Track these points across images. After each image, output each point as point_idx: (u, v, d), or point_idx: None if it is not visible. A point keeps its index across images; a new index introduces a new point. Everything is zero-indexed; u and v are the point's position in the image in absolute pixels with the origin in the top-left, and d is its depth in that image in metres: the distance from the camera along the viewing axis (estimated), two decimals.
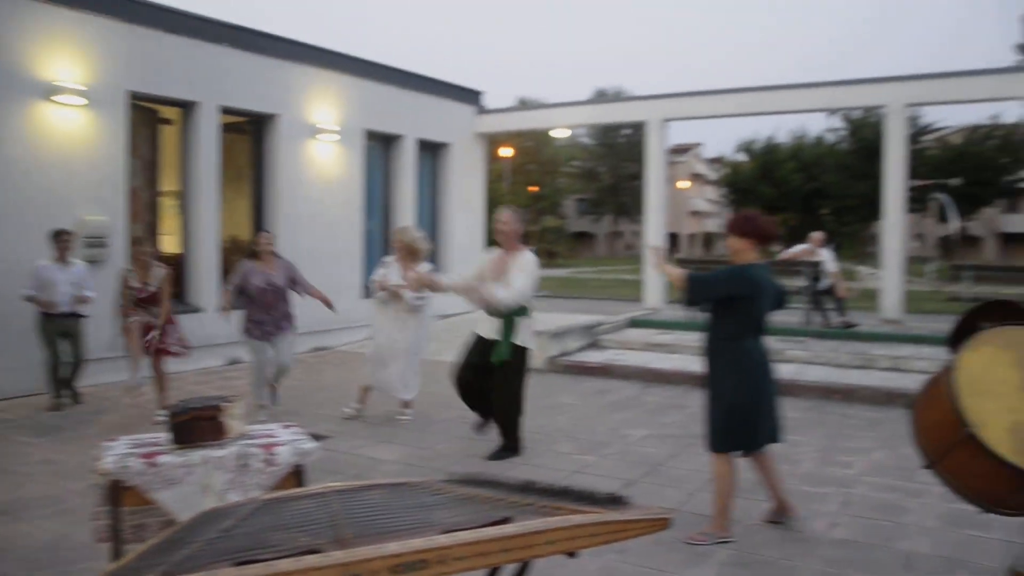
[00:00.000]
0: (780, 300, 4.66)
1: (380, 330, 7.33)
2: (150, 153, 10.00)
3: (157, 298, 7.19)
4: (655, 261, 4.80)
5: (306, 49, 11.53)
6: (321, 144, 11.58)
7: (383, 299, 7.26)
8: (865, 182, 35.30)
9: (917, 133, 44.41)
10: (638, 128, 13.86)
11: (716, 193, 62.16)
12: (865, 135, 39.80)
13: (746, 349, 4.40)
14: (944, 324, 4.41)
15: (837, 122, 46.62)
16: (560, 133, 21.29)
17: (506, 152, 35.07)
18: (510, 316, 5.93)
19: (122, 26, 9.12)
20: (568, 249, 53.47)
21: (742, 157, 52.56)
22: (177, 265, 9.71)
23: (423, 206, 14.06)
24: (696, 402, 8.22)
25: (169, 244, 11.32)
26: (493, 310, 5.96)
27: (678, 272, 4.44)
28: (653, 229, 13.63)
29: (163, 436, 3.60)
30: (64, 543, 4.33)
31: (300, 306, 7.58)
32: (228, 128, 10.72)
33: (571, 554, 1.77)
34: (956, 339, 3.20)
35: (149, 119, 9.97)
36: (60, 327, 7.60)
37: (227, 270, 9.49)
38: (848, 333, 11.10)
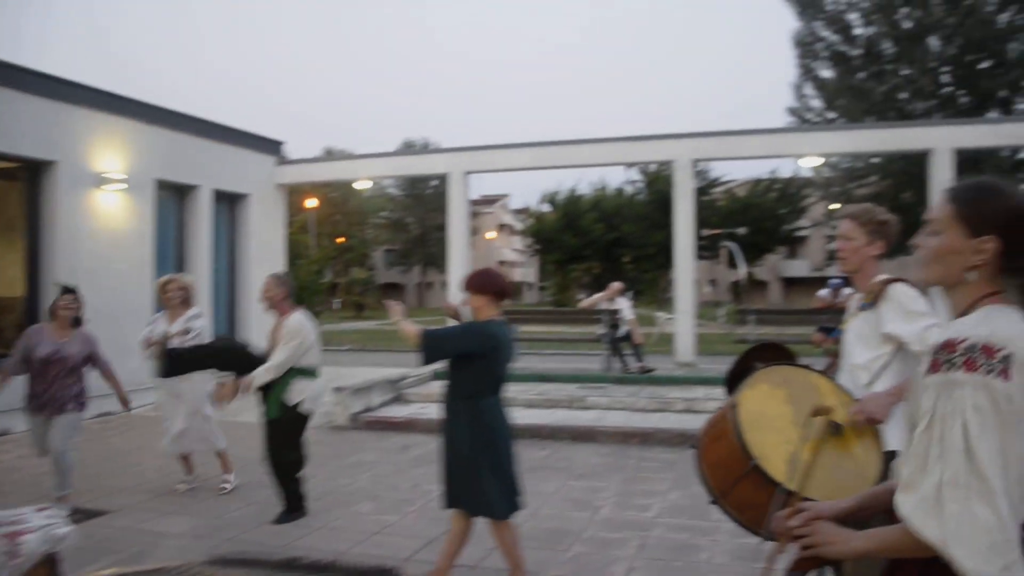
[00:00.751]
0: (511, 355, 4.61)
1: (159, 388, 6.88)
2: None
3: None
4: (394, 316, 4.63)
5: (89, 92, 10.84)
6: (107, 194, 10.87)
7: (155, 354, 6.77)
8: (661, 232, 37.30)
9: (707, 186, 47.61)
10: (444, 179, 13.94)
11: (523, 243, 63.75)
12: (660, 187, 42.12)
13: (485, 407, 4.33)
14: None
15: (635, 175, 49.15)
16: (363, 184, 21.17)
17: (311, 203, 34.45)
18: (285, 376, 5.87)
19: None
20: (376, 301, 53.02)
21: (546, 208, 54.23)
22: None
23: (220, 259, 13.49)
24: None
25: None
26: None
27: (412, 328, 4.32)
28: (457, 279, 13.69)
29: None
30: None
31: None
32: None
33: None
34: (733, 379, 3.38)
35: None
36: None
37: None
38: (646, 378, 11.54)
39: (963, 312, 1.68)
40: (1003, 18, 29.76)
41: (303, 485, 6.06)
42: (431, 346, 4.25)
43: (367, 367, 12.44)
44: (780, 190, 48.53)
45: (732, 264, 46.83)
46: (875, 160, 30.32)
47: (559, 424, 9.08)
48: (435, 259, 57.46)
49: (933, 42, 30.94)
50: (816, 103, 34.07)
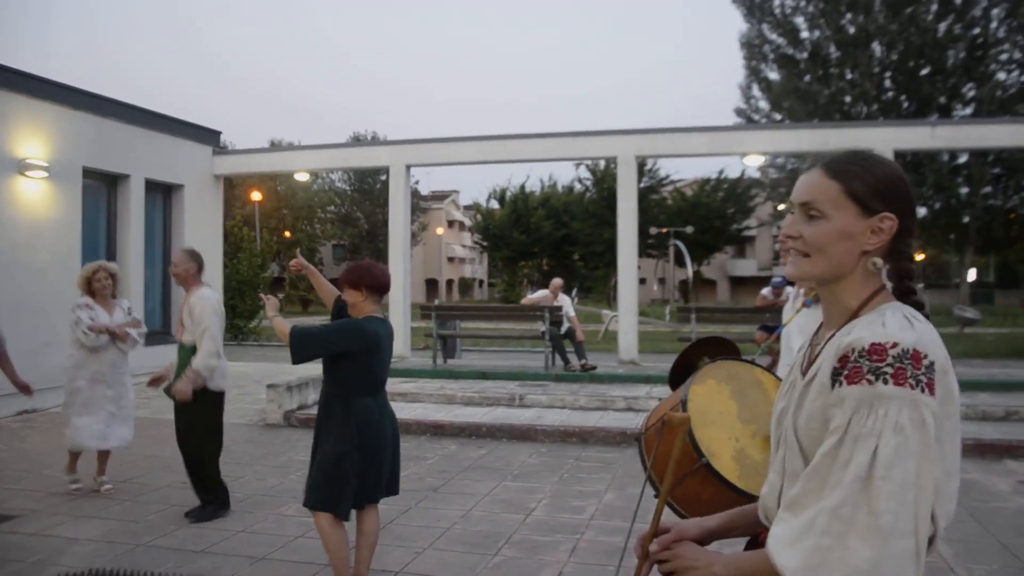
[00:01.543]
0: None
1: (87, 379, 6.48)
2: None
3: None
4: (268, 312, 4.46)
5: (9, 75, 10.37)
6: (29, 181, 10.42)
7: (102, 343, 6.41)
8: (610, 229, 37.41)
9: (656, 184, 47.97)
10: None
11: (472, 240, 63.61)
12: (609, 185, 42.27)
13: (358, 407, 4.12)
14: None
15: (585, 172, 49.31)
16: (302, 176, 20.79)
17: (255, 196, 33.84)
18: (184, 354, 5.75)
19: None
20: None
21: (495, 205, 54.11)
22: None
23: (154, 251, 13.07)
24: (436, 452, 8.09)
25: None
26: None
27: (283, 325, 4.12)
28: (400, 274, 13.48)
29: None
30: None
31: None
32: None
33: None
34: (676, 374, 3.25)
35: None
36: None
37: None
38: (588, 376, 11.43)
39: (856, 311, 1.41)
40: (942, 27, 30.38)
41: (216, 475, 5.86)
42: (301, 344, 4.04)
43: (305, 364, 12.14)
44: (728, 190, 49.07)
45: (680, 263, 47.27)
46: None
47: (497, 423, 8.91)
48: (384, 254, 56.79)
49: (876, 48, 31.47)
50: (763, 104, 34.51)
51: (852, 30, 31.28)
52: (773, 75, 33.98)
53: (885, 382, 1.26)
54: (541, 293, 12.90)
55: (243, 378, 12.08)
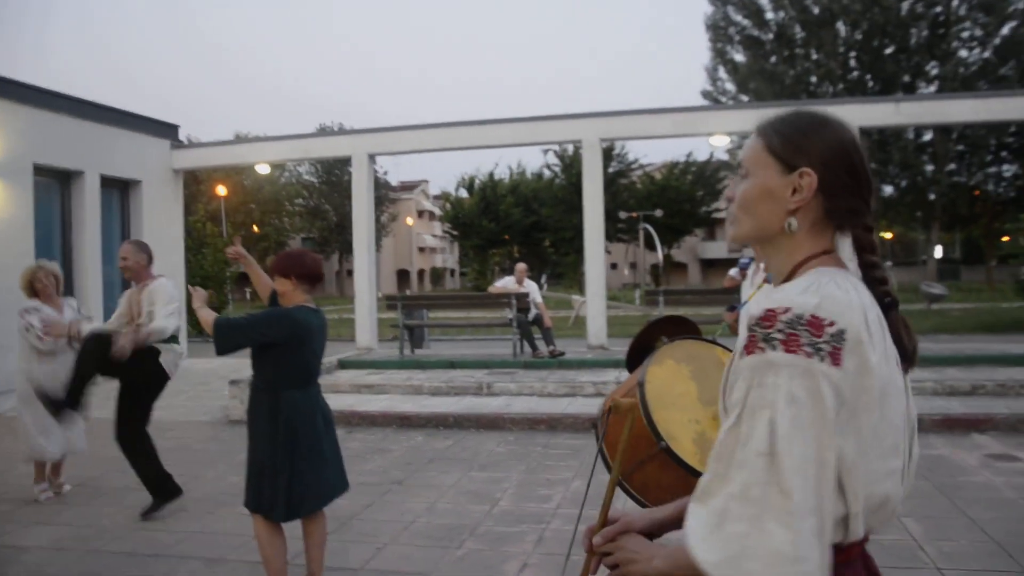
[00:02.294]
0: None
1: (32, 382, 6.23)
2: None
3: None
4: (195, 303, 4.30)
5: None
6: None
7: (60, 347, 6.17)
8: (579, 215, 37.37)
9: (625, 169, 48.00)
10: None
11: (442, 229, 63.38)
12: (577, 170, 42.16)
13: (286, 401, 3.95)
14: None
15: (553, 159, 49.22)
16: (263, 168, 20.47)
17: (220, 191, 33.40)
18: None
19: None
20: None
21: (463, 193, 53.90)
22: None
23: (112, 249, 12.77)
24: (402, 443, 7.95)
25: None
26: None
27: (208, 316, 3.98)
28: (364, 265, 13.31)
29: None
30: None
31: None
32: None
33: None
34: (633, 355, 3.14)
35: None
36: None
37: None
38: (556, 362, 11.33)
39: (788, 276, 1.34)
40: (905, 6, 30.52)
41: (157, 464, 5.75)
42: (225, 335, 3.88)
43: None
44: (696, 173, 49.19)
45: (651, 247, 47.35)
46: None
47: (465, 412, 8.79)
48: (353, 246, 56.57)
49: (841, 27, 31.57)
50: (729, 86, 34.53)
51: (816, 10, 31.37)
52: (739, 57, 34.00)
53: (774, 348, 1.17)
54: (507, 280, 12.76)
55: (207, 375, 11.85)
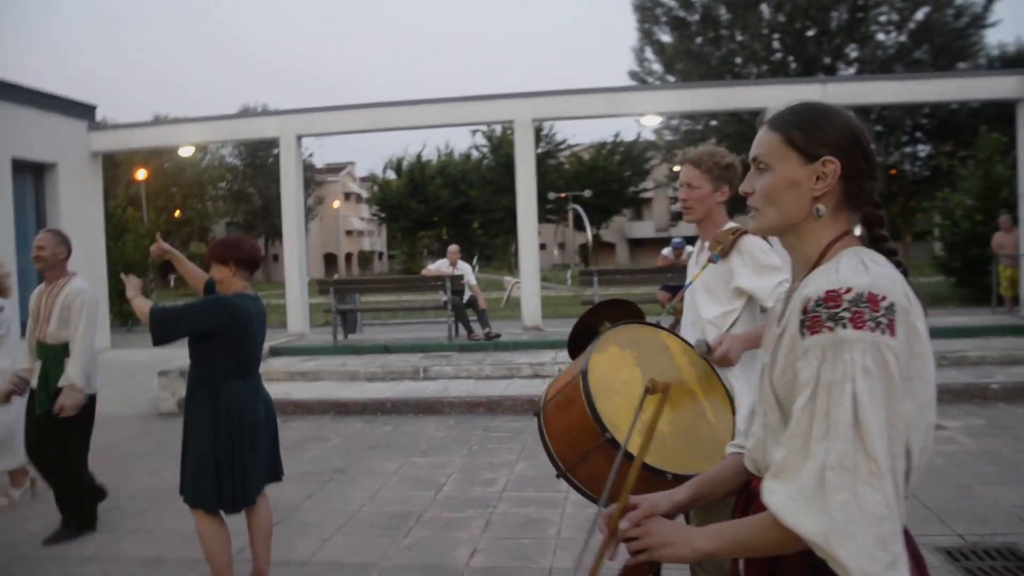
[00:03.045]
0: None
1: None
2: None
3: None
4: (128, 291, 4.05)
5: None
6: None
7: None
8: (508, 196, 37.24)
9: (553, 149, 48.04)
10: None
11: (370, 212, 62.68)
12: (506, 151, 42.07)
13: (227, 392, 3.82)
14: None
15: (481, 139, 48.96)
16: (187, 151, 19.84)
17: (139, 175, 32.34)
18: (53, 355, 4.97)
19: None
20: None
21: (391, 175, 53.33)
22: None
23: (26, 235, 12.22)
24: (341, 431, 7.82)
25: None
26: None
27: (143, 304, 3.81)
28: (295, 249, 13.04)
29: None
30: None
31: None
32: None
33: None
34: (576, 340, 3.07)
35: None
36: None
37: None
38: (492, 344, 11.28)
39: (817, 260, 1.42)
40: None
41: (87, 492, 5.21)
42: (161, 324, 3.70)
43: None
44: (624, 153, 49.51)
45: (580, 227, 47.58)
46: (713, 123, 31.23)
47: (402, 397, 8.69)
48: (279, 230, 55.44)
49: (765, 9, 32.02)
50: (656, 67, 34.74)
51: None
52: (666, 37, 34.21)
53: (844, 327, 1.27)
54: (440, 263, 12.65)
55: (134, 366, 11.44)
